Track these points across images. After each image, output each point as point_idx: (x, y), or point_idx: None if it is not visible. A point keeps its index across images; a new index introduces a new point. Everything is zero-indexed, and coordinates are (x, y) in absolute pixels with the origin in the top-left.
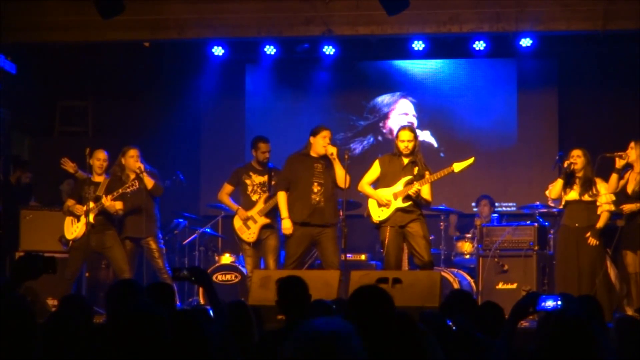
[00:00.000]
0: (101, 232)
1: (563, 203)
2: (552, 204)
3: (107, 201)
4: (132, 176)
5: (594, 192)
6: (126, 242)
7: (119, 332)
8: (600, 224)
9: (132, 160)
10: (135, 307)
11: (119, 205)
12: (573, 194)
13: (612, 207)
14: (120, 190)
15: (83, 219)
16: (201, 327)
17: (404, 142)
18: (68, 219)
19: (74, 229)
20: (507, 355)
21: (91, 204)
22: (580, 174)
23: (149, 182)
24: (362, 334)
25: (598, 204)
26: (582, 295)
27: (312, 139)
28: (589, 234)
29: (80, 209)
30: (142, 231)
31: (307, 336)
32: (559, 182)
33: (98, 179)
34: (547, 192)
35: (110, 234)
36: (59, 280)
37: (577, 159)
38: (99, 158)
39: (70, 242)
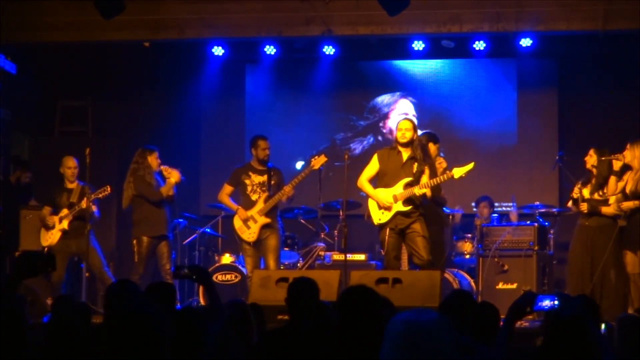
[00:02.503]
0: (79, 238)
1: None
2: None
3: (84, 203)
4: (154, 177)
5: (604, 191)
6: (143, 239)
7: (116, 332)
8: (606, 209)
9: (157, 162)
10: (133, 307)
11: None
12: (585, 193)
13: (616, 211)
14: (92, 197)
15: (57, 225)
16: (200, 326)
17: (402, 130)
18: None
19: (48, 236)
20: (504, 355)
21: (65, 211)
22: (594, 172)
23: (171, 190)
24: (353, 333)
25: (610, 202)
26: (579, 295)
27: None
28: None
29: (50, 219)
30: (165, 229)
31: (396, 328)
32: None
33: (71, 185)
34: (570, 207)
35: (87, 239)
36: (50, 284)
37: (588, 158)
38: (70, 166)
39: (45, 248)
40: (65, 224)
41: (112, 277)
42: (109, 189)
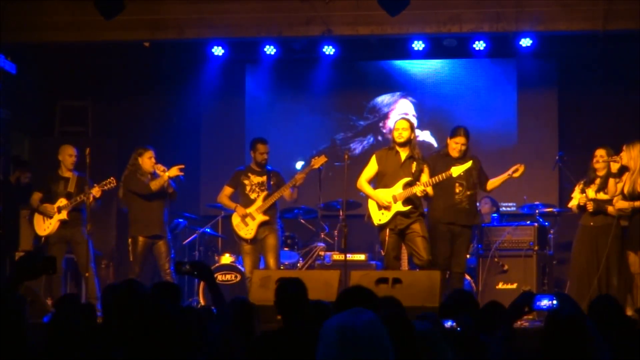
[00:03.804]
0: (76, 227)
1: (577, 205)
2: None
3: (97, 191)
4: (149, 177)
5: (606, 191)
6: (138, 239)
7: (125, 331)
8: (612, 209)
9: (150, 161)
10: (143, 306)
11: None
12: (590, 193)
13: (615, 212)
14: (99, 189)
15: (56, 215)
16: (200, 326)
17: (398, 130)
18: (39, 216)
19: (46, 226)
20: (503, 354)
21: (64, 201)
22: (601, 173)
23: (169, 187)
24: None
25: (614, 202)
26: (600, 296)
27: (449, 141)
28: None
29: (51, 208)
30: (159, 229)
31: (330, 330)
32: (576, 198)
33: (67, 174)
34: (569, 206)
35: (79, 230)
36: (48, 278)
37: (599, 159)
38: (71, 154)
39: (43, 238)
40: (64, 215)
41: (96, 273)
42: (114, 181)
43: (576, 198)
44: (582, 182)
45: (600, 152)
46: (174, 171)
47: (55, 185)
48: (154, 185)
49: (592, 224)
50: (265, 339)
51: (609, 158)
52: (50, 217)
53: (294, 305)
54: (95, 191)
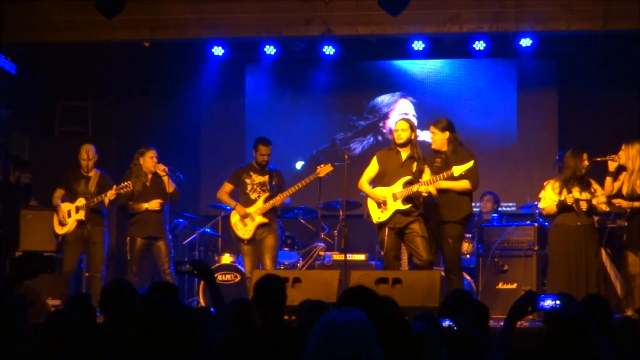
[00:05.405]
0: (96, 226)
1: (558, 205)
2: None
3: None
4: (150, 176)
5: (592, 190)
6: (135, 239)
7: (115, 330)
8: (604, 207)
9: (152, 161)
10: (146, 305)
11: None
12: (574, 194)
13: (607, 208)
14: (115, 192)
15: (74, 215)
16: (200, 326)
17: (398, 130)
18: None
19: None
20: (504, 354)
21: (82, 201)
22: (580, 174)
23: (170, 186)
24: None
25: (595, 202)
26: (589, 295)
27: None
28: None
29: (63, 212)
30: (157, 230)
31: (318, 328)
32: (554, 203)
33: (90, 173)
34: (541, 207)
35: (99, 229)
36: (58, 276)
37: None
38: (83, 158)
39: (60, 237)
40: (82, 215)
41: (105, 277)
42: (130, 185)
43: (549, 198)
44: (553, 182)
45: (586, 156)
46: (154, 205)
47: (76, 184)
48: (132, 205)
49: (579, 223)
50: (242, 337)
51: (608, 157)
52: (61, 224)
53: (271, 302)
54: (110, 194)
